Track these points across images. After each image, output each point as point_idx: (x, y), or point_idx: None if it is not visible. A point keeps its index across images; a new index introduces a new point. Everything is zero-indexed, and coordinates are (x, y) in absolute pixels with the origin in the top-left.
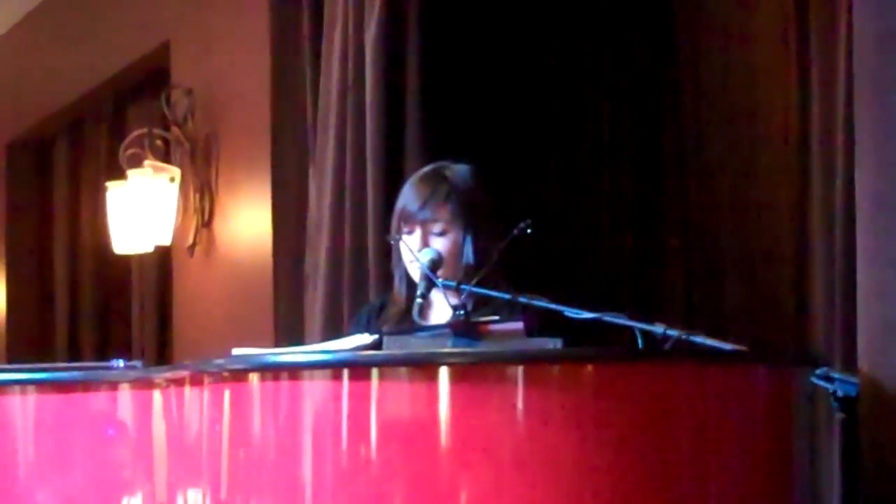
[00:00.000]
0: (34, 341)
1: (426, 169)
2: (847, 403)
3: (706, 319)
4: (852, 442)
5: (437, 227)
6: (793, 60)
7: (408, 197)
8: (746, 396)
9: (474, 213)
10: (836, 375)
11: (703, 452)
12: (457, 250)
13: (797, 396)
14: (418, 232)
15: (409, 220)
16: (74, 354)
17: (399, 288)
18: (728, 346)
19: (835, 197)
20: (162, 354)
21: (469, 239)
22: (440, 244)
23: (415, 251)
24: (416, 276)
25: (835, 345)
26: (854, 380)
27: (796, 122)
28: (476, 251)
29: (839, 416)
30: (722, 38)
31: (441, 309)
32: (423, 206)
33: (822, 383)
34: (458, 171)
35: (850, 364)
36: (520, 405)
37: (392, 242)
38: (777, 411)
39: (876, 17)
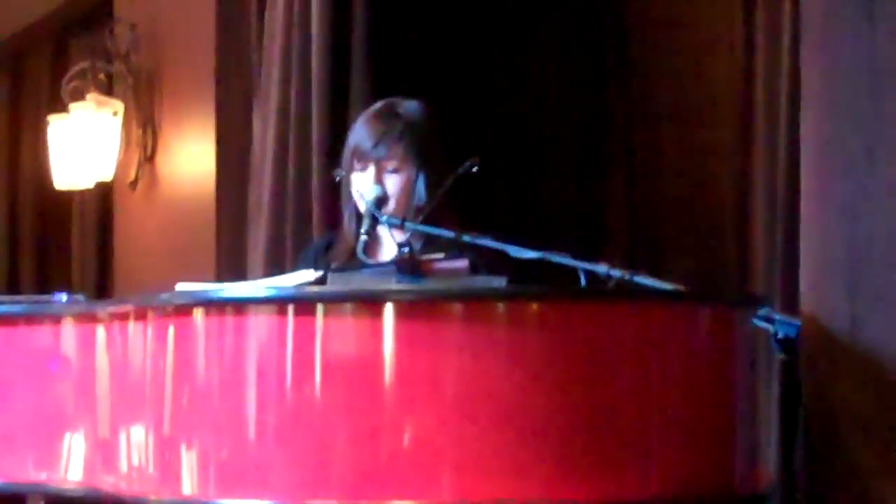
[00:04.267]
0: None
1: (378, 105)
2: (788, 345)
3: (648, 260)
4: (792, 383)
5: (390, 165)
6: (739, 6)
7: (361, 134)
8: (688, 336)
9: (428, 151)
10: (778, 317)
11: (645, 390)
12: (410, 188)
13: (738, 337)
14: (372, 169)
15: (362, 157)
16: (14, 290)
17: (348, 225)
18: (670, 287)
19: (778, 138)
20: (102, 291)
21: (422, 177)
22: (393, 181)
23: (362, 189)
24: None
25: (776, 286)
26: (795, 321)
27: (741, 64)
28: (429, 189)
29: (780, 357)
30: None
31: (389, 247)
32: (378, 143)
33: (763, 324)
34: (412, 108)
35: (791, 306)
36: (464, 342)
37: (338, 179)
38: (718, 351)
39: None
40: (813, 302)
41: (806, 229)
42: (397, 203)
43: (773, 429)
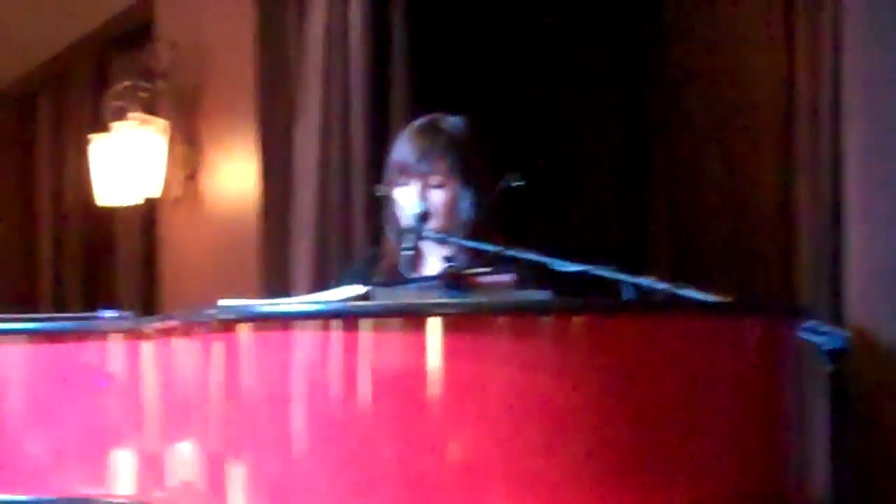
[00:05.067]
0: (18, 294)
1: (422, 121)
2: (835, 356)
3: (691, 272)
4: (841, 395)
5: (434, 180)
6: (779, 14)
7: (404, 150)
8: (735, 348)
9: (471, 167)
10: (825, 328)
11: (692, 403)
12: (453, 203)
13: (786, 348)
14: (415, 185)
15: (405, 172)
16: (60, 307)
17: (391, 240)
18: (716, 299)
19: (821, 147)
20: (148, 307)
21: (466, 192)
22: (437, 197)
23: (405, 204)
24: None
25: (820, 298)
26: (842, 333)
27: (782, 79)
28: (472, 204)
29: (828, 368)
30: None
31: (433, 262)
32: (421, 158)
33: (810, 336)
34: (455, 123)
35: (836, 318)
36: (510, 356)
37: (381, 194)
38: (766, 363)
39: None
40: (860, 313)
41: (852, 238)
42: (440, 218)
43: (821, 441)
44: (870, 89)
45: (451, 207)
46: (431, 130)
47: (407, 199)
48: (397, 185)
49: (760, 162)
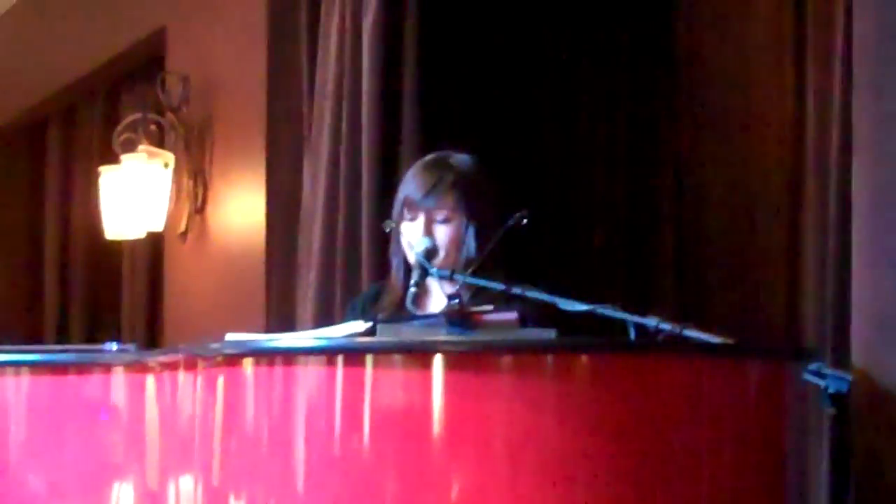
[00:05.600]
0: (23, 325)
1: (430, 157)
2: (838, 400)
3: (697, 314)
4: (842, 438)
5: (440, 215)
6: (788, 54)
7: (412, 184)
8: (738, 389)
9: (478, 203)
10: (828, 371)
11: (695, 445)
12: (459, 239)
13: (789, 391)
14: (421, 219)
15: (412, 207)
16: (64, 339)
17: (396, 275)
18: (719, 340)
19: (829, 192)
20: (152, 341)
21: (472, 228)
22: (443, 232)
23: (412, 239)
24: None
25: (826, 341)
26: (846, 376)
27: (791, 116)
28: (478, 241)
29: (830, 412)
30: (718, 35)
31: (438, 298)
32: (428, 193)
33: (813, 379)
34: (463, 159)
35: (840, 361)
36: (513, 394)
37: (388, 230)
38: (769, 405)
39: (875, 9)
40: (865, 357)
41: (858, 283)
42: (447, 254)
43: (823, 485)
44: (880, 130)
45: (457, 243)
46: (439, 166)
47: (413, 235)
48: (404, 220)
49: (768, 204)
